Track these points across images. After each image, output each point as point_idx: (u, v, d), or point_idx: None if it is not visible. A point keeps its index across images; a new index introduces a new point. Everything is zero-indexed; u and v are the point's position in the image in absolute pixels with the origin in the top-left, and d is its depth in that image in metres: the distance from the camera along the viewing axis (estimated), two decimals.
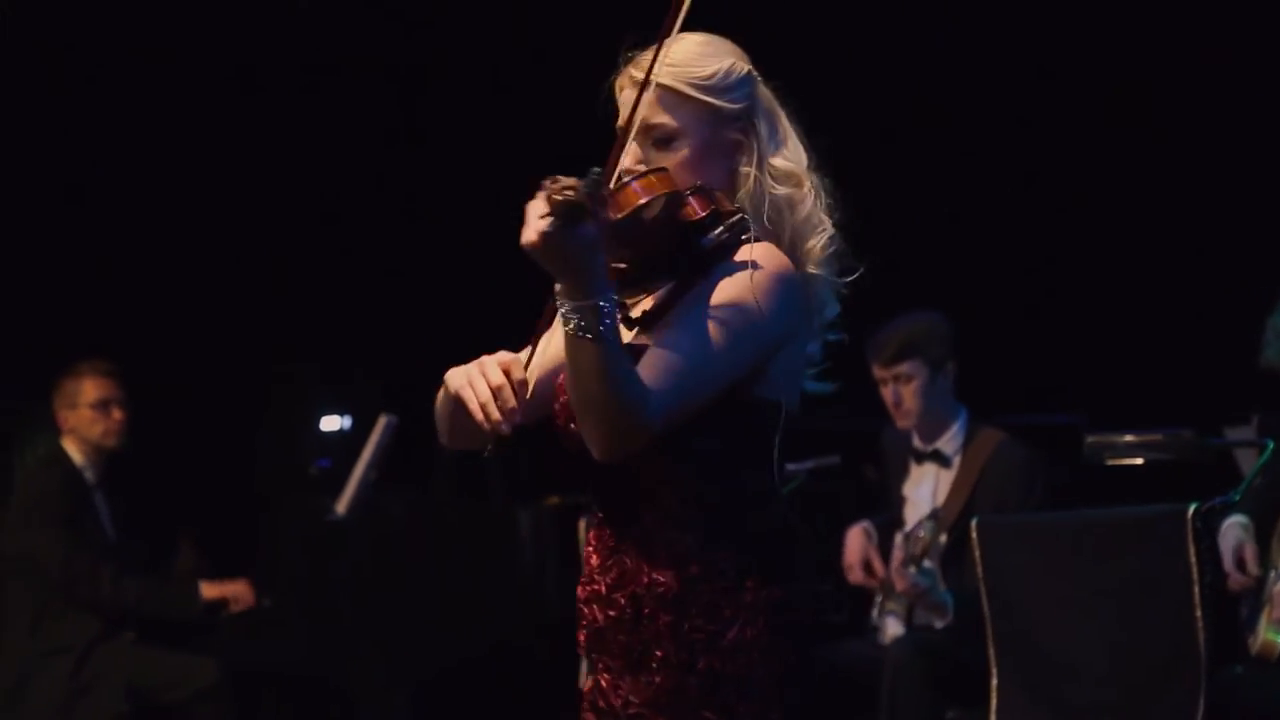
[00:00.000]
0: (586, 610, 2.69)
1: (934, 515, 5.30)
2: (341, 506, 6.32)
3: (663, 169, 2.62)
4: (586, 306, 2.41)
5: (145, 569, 6.22)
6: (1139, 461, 4.86)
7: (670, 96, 2.64)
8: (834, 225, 2.69)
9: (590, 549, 2.71)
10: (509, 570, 6.12)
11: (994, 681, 4.69)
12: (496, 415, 2.52)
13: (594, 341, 2.42)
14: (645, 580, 2.62)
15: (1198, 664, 4.41)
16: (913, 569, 5.21)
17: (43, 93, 6.86)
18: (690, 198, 2.60)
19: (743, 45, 2.73)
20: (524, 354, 2.62)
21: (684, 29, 2.65)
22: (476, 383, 2.54)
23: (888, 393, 5.42)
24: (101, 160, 6.93)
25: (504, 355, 2.59)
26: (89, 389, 6.15)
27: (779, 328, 2.60)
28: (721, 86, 2.66)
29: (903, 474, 5.54)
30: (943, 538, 5.32)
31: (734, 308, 2.55)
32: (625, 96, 2.68)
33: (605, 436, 2.47)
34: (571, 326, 2.43)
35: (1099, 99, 6.38)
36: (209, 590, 6.23)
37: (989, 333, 6.23)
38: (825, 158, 2.74)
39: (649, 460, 2.56)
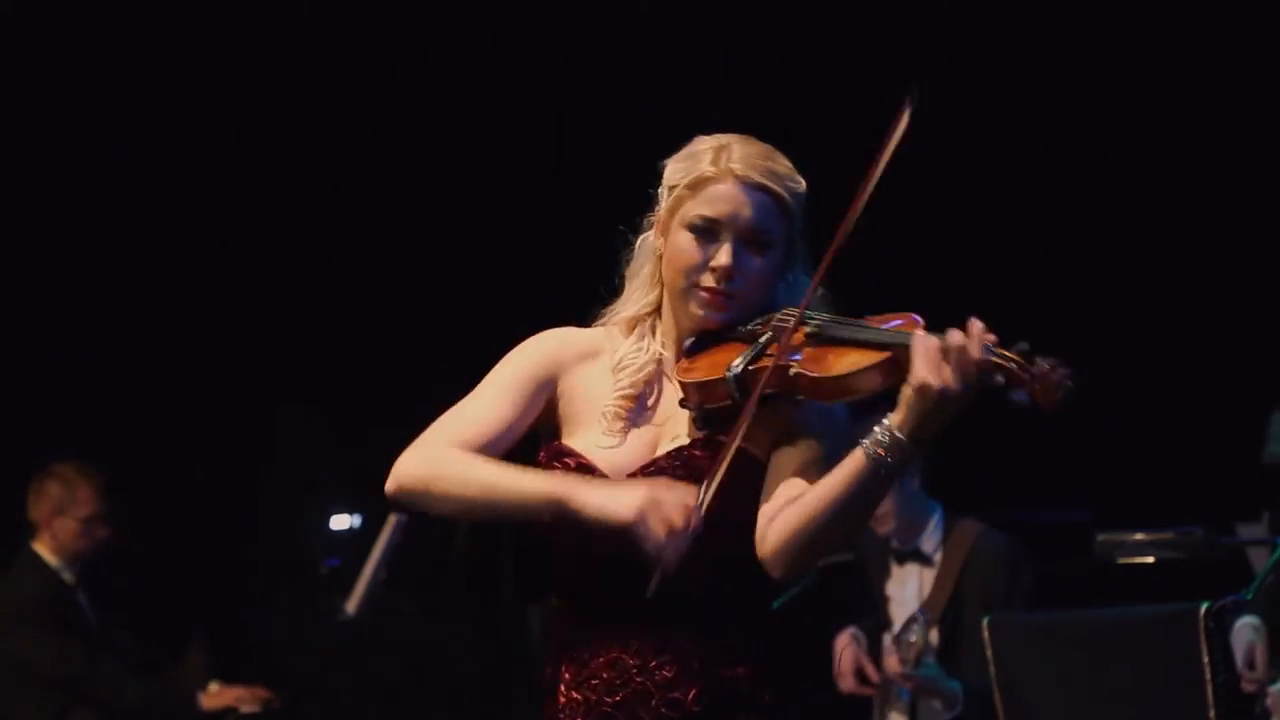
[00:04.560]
0: (618, 714, 2.62)
1: (920, 614, 5.28)
2: (351, 606, 6.30)
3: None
4: (919, 452, 2.48)
5: (150, 668, 6.18)
6: (1150, 560, 4.85)
7: (775, 205, 2.66)
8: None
9: (614, 651, 2.62)
10: (522, 669, 6.09)
11: None
12: (679, 553, 2.50)
13: (891, 482, 2.50)
14: (714, 679, 2.61)
15: None
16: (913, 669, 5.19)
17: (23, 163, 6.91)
18: None
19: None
20: (699, 492, 2.56)
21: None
22: (663, 515, 2.50)
23: None
24: (96, 250, 6.96)
25: (683, 496, 2.54)
26: (85, 501, 6.04)
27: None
28: (801, 204, 2.70)
29: (884, 575, 5.50)
30: (934, 634, 5.29)
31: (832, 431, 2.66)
32: (725, 190, 2.65)
33: (814, 562, 2.57)
34: (893, 461, 2.47)
35: (1098, 185, 6.41)
36: (211, 701, 6.16)
37: (999, 429, 6.22)
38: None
39: (718, 565, 2.60)
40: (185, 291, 7.01)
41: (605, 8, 6.93)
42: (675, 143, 2.77)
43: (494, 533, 6.29)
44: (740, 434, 2.54)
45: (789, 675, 2.67)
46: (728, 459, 2.54)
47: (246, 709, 6.20)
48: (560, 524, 2.60)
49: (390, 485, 2.68)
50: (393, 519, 6.32)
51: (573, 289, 2.88)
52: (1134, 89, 6.37)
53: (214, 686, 6.21)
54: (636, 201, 2.81)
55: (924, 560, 5.40)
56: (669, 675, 2.61)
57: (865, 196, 2.57)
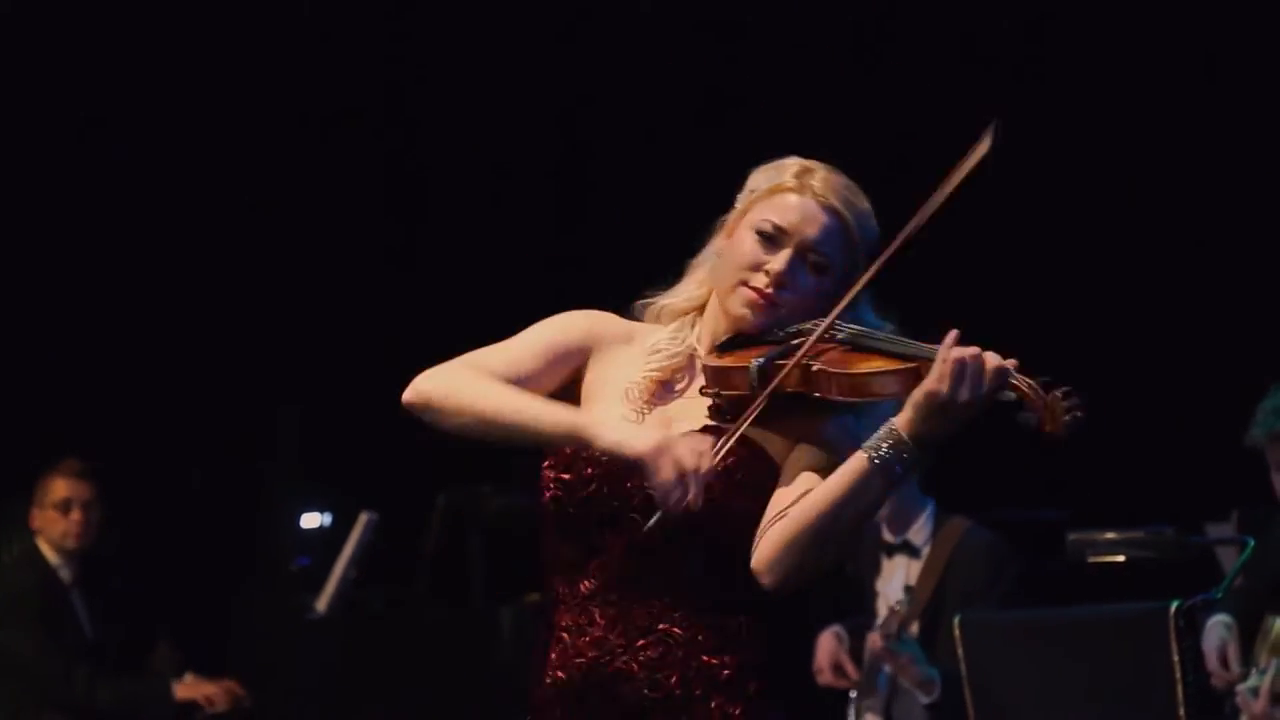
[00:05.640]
0: (598, 693, 2.66)
1: (908, 590, 5.31)
2: (322, 604, 6.30)
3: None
4: (920, 455, 2.53)
5: (123, 668, 6.18)
6: (1121, 559, 4.87)
7: (844, 234, 2.71)
8: None
9: (598, 629, 2.66)
10: (492, 669, 6.09)
11: None
12: (685, 498, 2.52)
13: (892, 484, 2.53)
14: (697, 663, 2.64)
15: None
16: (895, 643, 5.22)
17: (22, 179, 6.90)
18: None
19: None
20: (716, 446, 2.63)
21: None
22: (675, 456, 2.53)
23: None
24: (87, 254, 6.95)
25: (697, 444, 2.57)
26: (55, 488, 6.10)
27: None
28: (870, 249, 2.72)
29: (874, 570, 5.54)
30: (915, 627, 5.32)
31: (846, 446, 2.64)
32: (799, 202, 2.71)
33: (809, 570, 2.57)
34: (894, 463, 2.52)
35: (1074, 194, 6.44)
36: (184, 691, 6.18)
37: (971, 429, 6.24)
38: None
39: (716, 553, 2.63)
40: (162, 292, 7.01)
41: (608, 7, 6.95)
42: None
43: (464, 533, 6.29)
44: (754, 411, 2.60)
45: (776, 669, 2.69)
46: (746, 422, 2.60)
47: (216, 708, 6.19)
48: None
49: (408, 395, 2.71)
50: (363, 517, 6.32)
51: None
52: (1105, 85, 6.41)
53: (189, 678, 6.22)
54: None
55: (912, 552, 5.44)
56: (653, 656, 2.65)
57: (927, 217, 2.63)
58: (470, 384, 2.67)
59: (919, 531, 5.45)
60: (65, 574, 6.12)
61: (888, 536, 5.50)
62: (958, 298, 6.49)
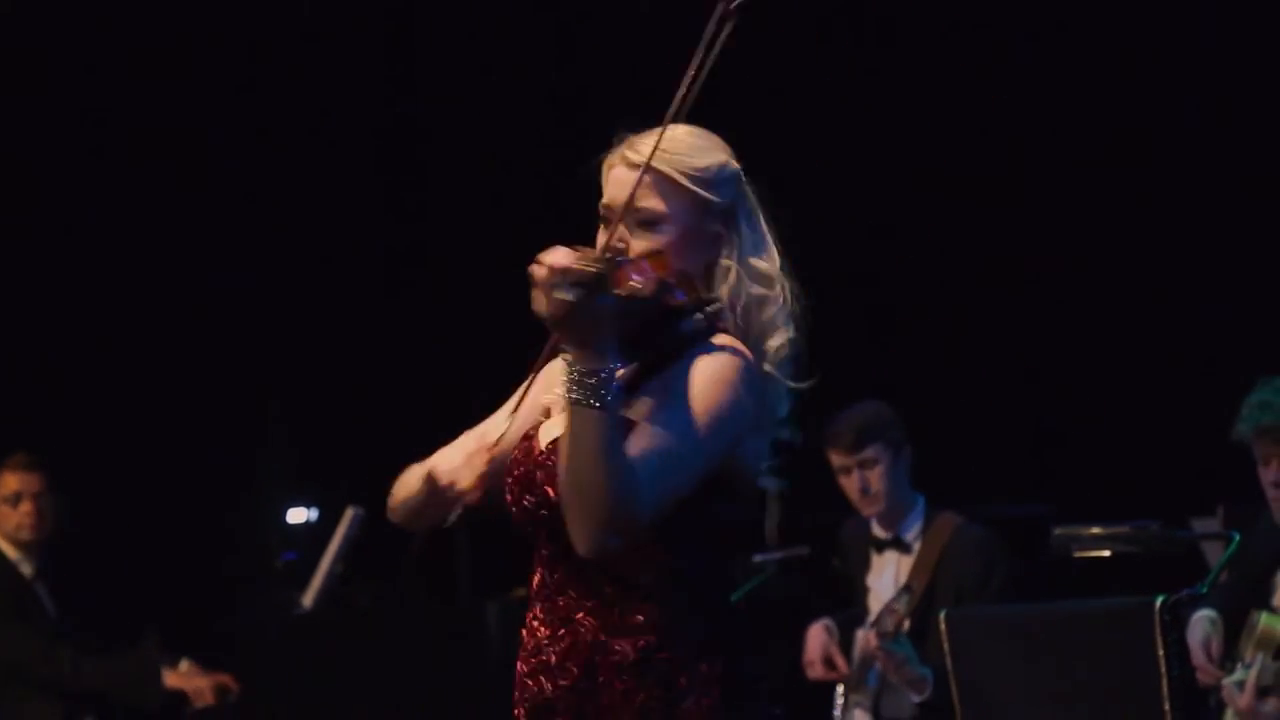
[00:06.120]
0: (531, 683, 2.71)
1: (907, 588, 5.29)
2: (307, 599, 6.29)
3: (659, 253, 2.68)
4: (598, 373, 2.49)
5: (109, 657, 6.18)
6: (1106, 554, 4.85)
7: (663, 183, 2.70)
8: (799, 330, 2.75)
9: (536, 622, 2.72)
10: (478, 664, 6.08)
11: None
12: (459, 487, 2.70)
13: (600, 410, 2.49)
14: (601, 649, 2.65)
15: None
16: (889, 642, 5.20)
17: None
18: (676, 283, 2.66)
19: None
20: (511, 404, 2.76)
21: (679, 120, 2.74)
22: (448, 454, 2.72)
23: (852, 481, 5.41)
24: (83, 250, 6.96)
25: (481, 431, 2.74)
26: (3, 483, 6.13)
27: (746, 419, 2.66)
28: (712, 180, 2.72)
29: (864, 566, 5.53)
30: (906, 623, 5.31)
31: (713, 397, 2.62)
32: (615, 174, 2.74)
33: (597, 528, 2.52)
34: (578, 395, 2.50)
35: (1058, 188, 6.43)
36: (175, 679, 6.19)
37: (956, 424, 6.25)
38: (796, 258, 2.80)
39: None
40: (160, 288, 7.02)
41: (608, 7, 6.95)
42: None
43: (451, 528, 6.27)
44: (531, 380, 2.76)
45: (699, 653, 2.66)
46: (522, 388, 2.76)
47: (199, 703, 6.19)
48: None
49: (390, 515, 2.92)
50: (349, 512, 6.31)
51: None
52: (1098, 81, 6.41)
53: (184, 665, 6.22)
54: None
55: (903, 548, 5.44)
56: (565, 646, 2.68)
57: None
58: (401, 480, 2.86)
59: (911, 527, 5.45)
60: (26, 568, 6.14)
61: (878, 532, 5.50)
62: (953, 296, 6.51)
